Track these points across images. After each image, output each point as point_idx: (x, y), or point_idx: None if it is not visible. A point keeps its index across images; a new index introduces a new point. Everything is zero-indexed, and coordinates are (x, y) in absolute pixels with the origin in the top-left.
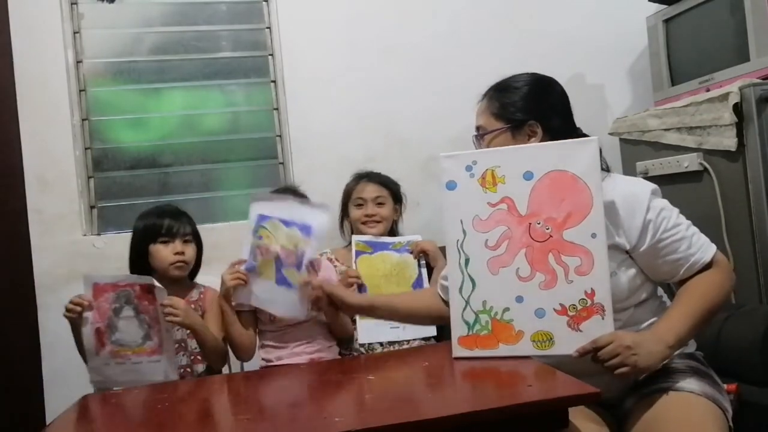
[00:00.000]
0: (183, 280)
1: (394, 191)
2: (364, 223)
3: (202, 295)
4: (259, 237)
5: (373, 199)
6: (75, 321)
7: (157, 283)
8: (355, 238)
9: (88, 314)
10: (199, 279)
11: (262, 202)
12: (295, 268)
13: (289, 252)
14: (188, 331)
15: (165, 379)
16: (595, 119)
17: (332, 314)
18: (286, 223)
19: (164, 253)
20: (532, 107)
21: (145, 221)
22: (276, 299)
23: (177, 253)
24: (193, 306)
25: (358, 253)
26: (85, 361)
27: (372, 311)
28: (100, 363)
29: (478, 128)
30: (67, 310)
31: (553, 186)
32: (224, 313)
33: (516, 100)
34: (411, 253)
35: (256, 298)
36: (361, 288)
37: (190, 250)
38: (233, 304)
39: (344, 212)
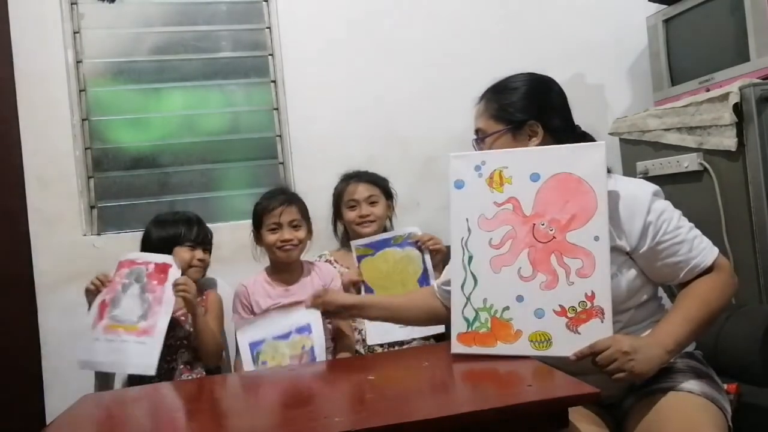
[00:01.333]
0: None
1: (384, 188)
2: (358, 224)
3: (204, 297)
4: (263, 363)
5: (366, 199)
6: (92, 297)
7: (175, 261)
8: (353, 243)
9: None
10: None
11: (247, 328)
12: (312, 362)
13: (301, 354)
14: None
15: (143, 372)
16: (595, 119)
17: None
18: (283, 337)
19: (186, 255)
20: (531, 107)
21: (171, 230)
22: None
23: (199, 260)
24: None
25: (360, 258)
26: None
27: (364, 309)
28: (91, 339)
29: (477, 131)
30: (91, 283)
31: (559, 188)
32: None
33: (515, 101)
34: (417, 247)
35: None
36: (364, 289)
37: (207, 257)
38: None
39: (336, 214)
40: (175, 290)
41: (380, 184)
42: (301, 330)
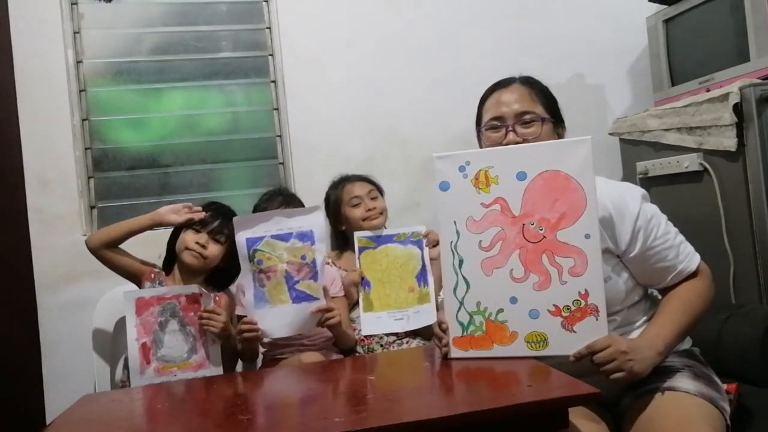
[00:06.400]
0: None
1: (377, 185)
2: (365, 219)
3: (216, 300)
4: (258, 262)
5: (367, 194)
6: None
7: (202, 290)
8: (357, 234)
9: (132, 329)
10: None
11: (245, 224)
12: (312, 280)
13: (299, 265)
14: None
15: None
16: (595, 119)
17: (337, 330)
18: (282, 238)
19: (187, 237)
20: (559, 113)
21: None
22: (293, 321)
23: (198, 243)
24: None
25: (361, 249)
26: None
27: None
28: (143, 383)
29: (523, 113)
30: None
31: (547, 186)
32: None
33: (553, 99)
34: (419, 246)
35: (272, 330)
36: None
37: (213, 249)
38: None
39: (335, 222)
40: (199, 322)
41: (373, 182)
42: (302, 236)
